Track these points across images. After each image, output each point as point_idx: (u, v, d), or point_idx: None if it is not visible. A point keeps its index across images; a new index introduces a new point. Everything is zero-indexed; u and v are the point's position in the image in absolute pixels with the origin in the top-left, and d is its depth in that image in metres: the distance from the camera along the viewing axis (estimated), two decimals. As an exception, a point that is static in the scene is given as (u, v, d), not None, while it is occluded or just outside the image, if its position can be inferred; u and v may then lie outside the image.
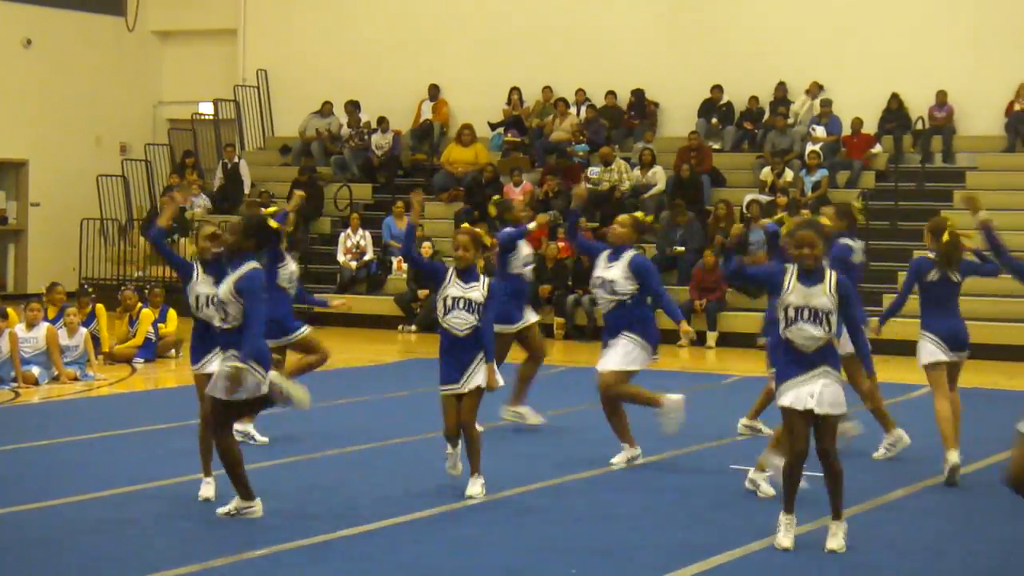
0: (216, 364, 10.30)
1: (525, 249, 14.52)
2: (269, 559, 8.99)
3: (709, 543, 9.52)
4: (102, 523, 9.89)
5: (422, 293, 25.68)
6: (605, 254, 12.61)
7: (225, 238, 10.21)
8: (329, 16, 32.11)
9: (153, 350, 20.26)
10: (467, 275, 11.04)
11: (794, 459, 9.25)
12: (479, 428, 11.51)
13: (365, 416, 14.29)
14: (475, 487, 10.94)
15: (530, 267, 14.67)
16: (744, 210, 25.58)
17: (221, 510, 10.09)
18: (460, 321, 10.90)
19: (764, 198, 25.67)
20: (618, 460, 12.51)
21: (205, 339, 10.86)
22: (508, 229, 14.38)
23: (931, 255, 11.86)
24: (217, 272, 10.53)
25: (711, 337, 24.04)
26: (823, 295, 9.16)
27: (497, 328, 13.25)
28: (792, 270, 9.29)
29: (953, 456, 11.74)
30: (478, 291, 10.95)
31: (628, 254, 12.48)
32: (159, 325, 20.44)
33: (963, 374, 12.27)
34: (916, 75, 27.40)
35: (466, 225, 11.30)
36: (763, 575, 8.94)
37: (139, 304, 20.44)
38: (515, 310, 14.21)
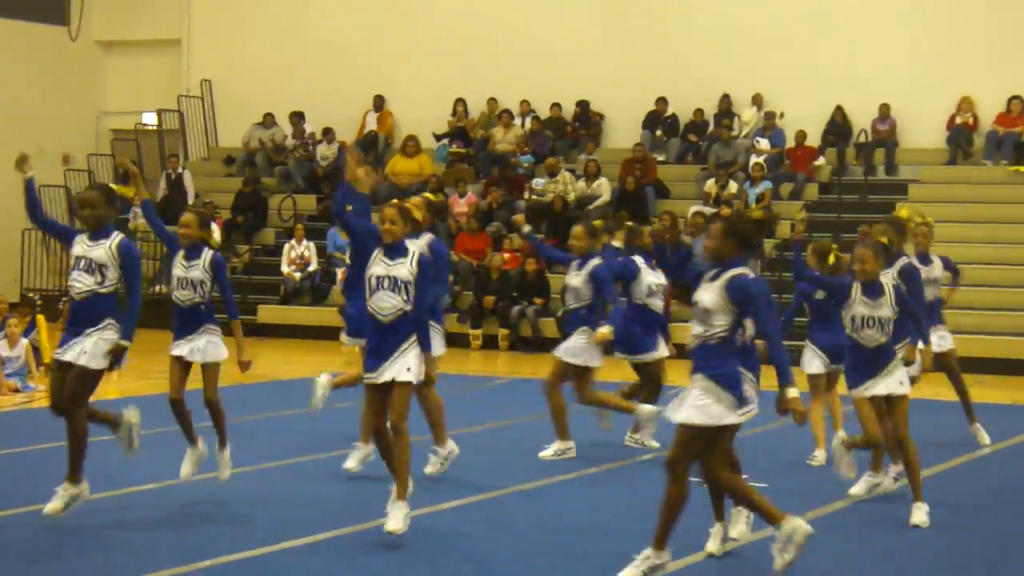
0: (191, 344, 10.87)
1: (649, 277, 13.78)
2: (216, 569, 8.94)
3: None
4: (43, 537, 9.79)
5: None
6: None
7: (89, 212, 10.26)
8: (274, 27, 32.01)
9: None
10: (394, 251, 9.86)
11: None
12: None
13: (308, 427, 14.22)
14: (395, 520, 9.71)
15: (656, 297, 13.85)
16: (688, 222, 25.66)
17: (52, 506, 10.08)
18: (385, 304, 9.76)
19: (708, 210, 25.75)
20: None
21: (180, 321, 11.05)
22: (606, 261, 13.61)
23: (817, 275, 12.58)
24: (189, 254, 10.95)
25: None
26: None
27: (622, 357, 13.63)
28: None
29: (820, 455, 13.12)
30: (405, 267, 9.78)
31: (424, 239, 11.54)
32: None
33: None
34: (859, 88, 27.57)
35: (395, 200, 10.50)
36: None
37: (81, 315, 20.26)
38: (647, 339, 13.76)
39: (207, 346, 10.93)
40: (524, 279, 25.52)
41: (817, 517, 10.92)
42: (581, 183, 27.65)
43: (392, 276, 9.76)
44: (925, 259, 14.26)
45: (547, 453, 13.48)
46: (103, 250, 10.20)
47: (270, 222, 29.61)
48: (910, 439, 10.78)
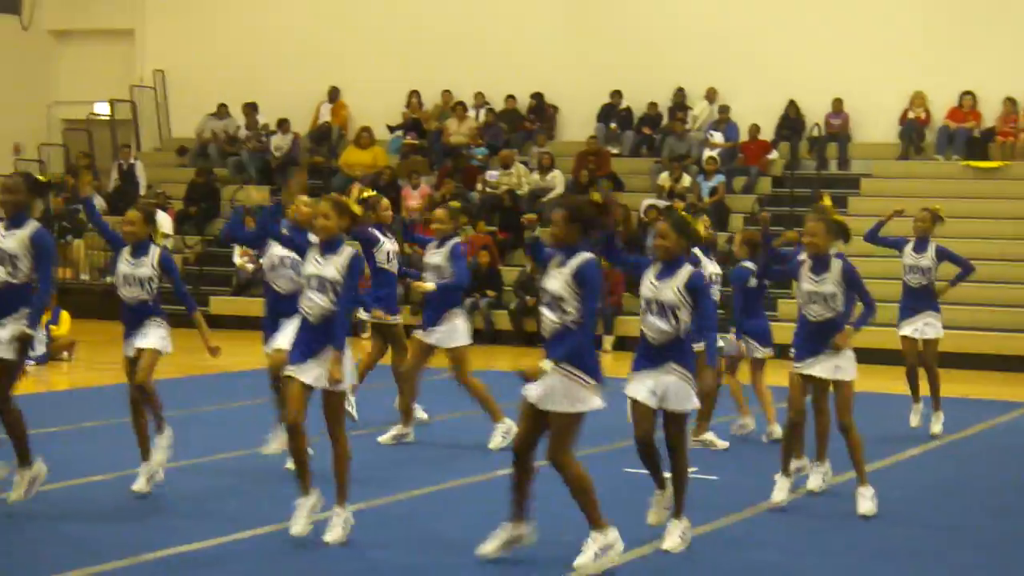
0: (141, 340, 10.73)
1: (709, 268, 13.19)
2: (164, 561, 8.91)
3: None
4: (-10, 527, 9.76)
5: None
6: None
7: (7, 197, 10.12)
8: (228, 17, 31.88)
9: (46, 353, 19.99)
10: (328, 247, 9.39)
11: (638, 444, 9.48)
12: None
13: (259, 419, 14.15)
14: (335, 531, 9.47)
15: (710, 287, 13.56)
16: (642, 215, 25.72)
17: (14, 495, 10.07)
18: (310, 304, 9.31)
19: (662, 203, 25.81)
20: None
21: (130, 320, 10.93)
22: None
23: (748, 264, 13.49)
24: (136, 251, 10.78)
25: (607, 341, 24.10)
26: (670, 291, 9.22)
27: None
28: (655, 265, 9.40)
29: (748, 421, 14.22)
30: (332, 267, 9.28)
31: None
32: (51, 327, 20.20)
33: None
34: (813, 82, 27.67)
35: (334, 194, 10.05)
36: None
37: (31, 306, 20.13)
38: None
39: (149, 334, 10.81)
40: (477, 272, 25.50)
41: (768, 510, 10.95)
42: (535, 175, 27.66)
43: (320, 276, 9.31)
44: (921, 245, 14.89)
45: (495, 443, 13.48)
46: (15, 240, 10.03)
47: (223, 213, 29.48)
48: (853, 425, 10.78)
